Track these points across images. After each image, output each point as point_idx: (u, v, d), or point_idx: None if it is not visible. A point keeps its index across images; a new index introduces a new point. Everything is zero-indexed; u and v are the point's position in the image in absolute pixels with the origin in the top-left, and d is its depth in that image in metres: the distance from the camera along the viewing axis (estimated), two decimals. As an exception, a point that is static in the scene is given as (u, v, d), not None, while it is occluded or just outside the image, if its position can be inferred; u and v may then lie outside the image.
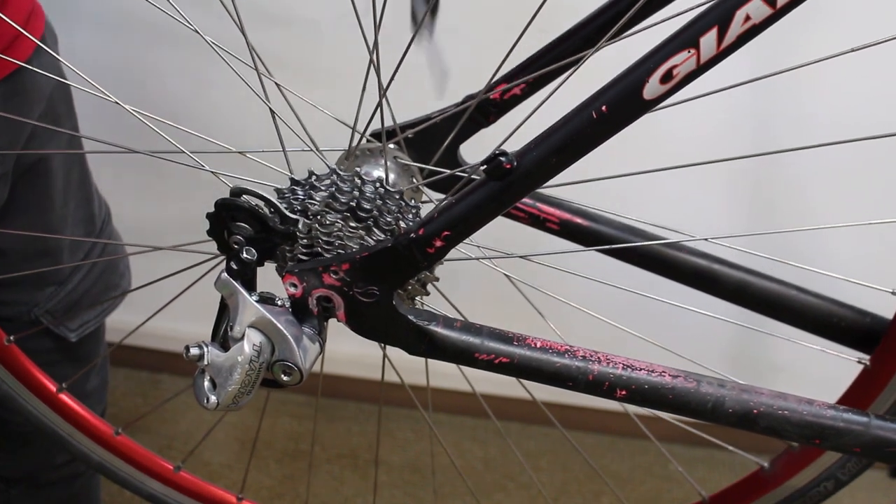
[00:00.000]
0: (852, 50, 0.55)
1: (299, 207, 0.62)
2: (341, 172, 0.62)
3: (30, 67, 0.81)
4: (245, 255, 0.63)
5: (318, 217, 0.62)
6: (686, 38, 0.50)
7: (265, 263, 0.66)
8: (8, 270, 0.92)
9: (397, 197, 0.62)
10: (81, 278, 1.00)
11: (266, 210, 0.63)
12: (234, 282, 0.62)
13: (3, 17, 0.68)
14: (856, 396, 0.72)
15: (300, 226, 0.63)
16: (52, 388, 0.83)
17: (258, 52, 0.67)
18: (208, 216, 0.63)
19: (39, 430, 0.84)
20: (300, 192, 0.63)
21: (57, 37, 0.97)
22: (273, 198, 0.63)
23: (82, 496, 1.14)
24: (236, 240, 0.63)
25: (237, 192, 0.63)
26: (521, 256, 0.68)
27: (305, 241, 0.63)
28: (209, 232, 0.64)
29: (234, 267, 0.63)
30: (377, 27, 0.58)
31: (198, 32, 0.66)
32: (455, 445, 1.87)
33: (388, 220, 0.61)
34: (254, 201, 0.63)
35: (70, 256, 0.99)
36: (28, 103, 0.86)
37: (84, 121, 1.00)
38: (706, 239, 0.73)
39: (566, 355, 0.61)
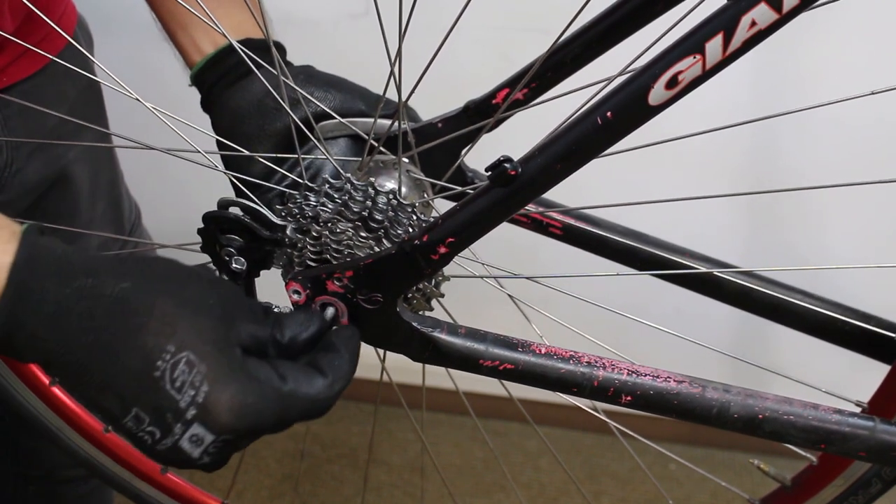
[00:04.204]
0: (872, 93, 0.55)
1: (311, 213, 0.62)
2: (355, 181, 0.62)
3: (58, 61, 0.80)
4: (234, 265, 0.62)
5: (329, 224, 0.62)
6: (691, 43, 0.49)
7: (261, 272, 0.66)
8: None
9: (409, 210, 0.62)
10: None
11: (252, 218, 0.63)
12: None
13: (37, 11, 0.69)
14: (881, 402, 0.72)
15: (288, 231, 0.63)
16: (46, 380, 0.82)
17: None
18: (199, 232, 0.63)
19: (29, 423, 0.83)
20: (312, 199, 0.63)
21: (92, 38, 0.97)
22: (260, 206, 0.64)
23: (97, 494, 1.14)
24: (227, 251, 0.63)
25: (224, 203, 0.63)
26: (527, 277, 0.68)
27: (315, 248, 0.62)
28: (202, 248, 0.64)
29: (226, 278, 0.63)
30: (401, 37, 0.58)
31: (226, 36, 0.66)
32: (455, 445, 1.87)
33: (399, 232, 0.61)
34: (241, 211, 0.63)
35: None
36: (44, 106, 0.85)
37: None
38: (707, 270, 0.72)
39: (571, 361, 0.61)
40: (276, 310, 0.62)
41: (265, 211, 0.63)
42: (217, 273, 0.64)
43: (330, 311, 0.61)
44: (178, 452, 0.53)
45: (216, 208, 0.63)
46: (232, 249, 0.63)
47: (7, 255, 0.50)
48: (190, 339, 0.52)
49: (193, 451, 0.53)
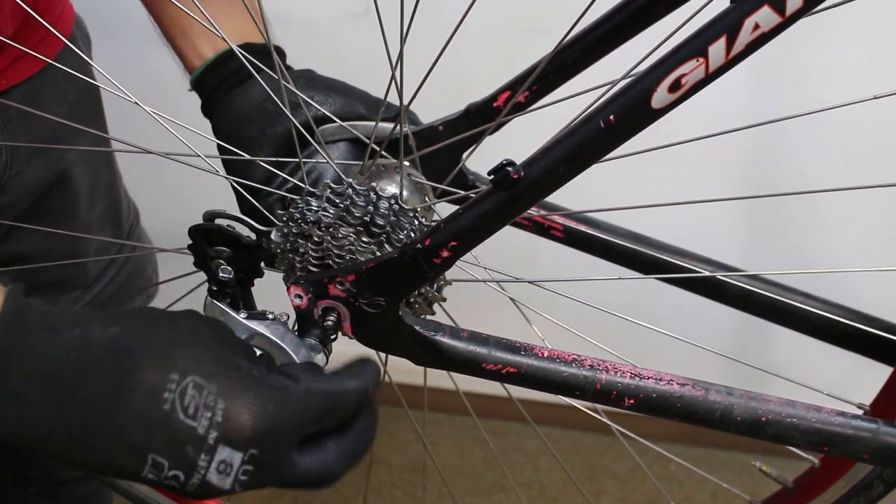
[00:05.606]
0: (875, 97, 0.55)
1: (312, 219, 0.62)
2: (357, 186, 0.62)
3: (56, 65, 0.80)
4: (221, 274, 0.62)
5: (331, 229, 0.61)
6: (694, 46, 0.49)
7: (254, 280, 0.65)
8: (32, 274, 0.91)
9: (411, 214, 0.62)
10: (107, 282, 1.00)
11: (237, 227, 0.63)
12: (218, 304, 0.62)
13: (34, 14, 0.69)
14: (883, 404, 0.72)
15: (273, 236, 0.63)
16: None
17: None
18: (189, 248, 0.63)
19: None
20: (314, 204, 0.63)
21: (90, 39, 0.96)
22: (241, 216, 0.64)
23: (97, 494, 1.14)
24: (216, 263, 0.63)
25: (209, 216, 0.63)
26: (529, 281, 0.68)
27: (317, 253, 0.62)
28: (195, 264, 0.64)
29: (214, 288, 0.63)
30: (403, 40, 0.58)
31: (226, 40, 0.66)
32: (455, 445, 1.86)
33: (401, 236, 0.61)
34: (226, 221, 0.63)
35: (96, 261, 0.99)
36: (44, 107, 0.85)
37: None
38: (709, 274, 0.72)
39: (574, 365, 0.61)
40: (271, 317, 0.62)
41: (247, 219, 0.63)
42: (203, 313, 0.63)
43: (331, 321, 0.62)
44: (209, 488, 0.50)
45: (201, 221, 0.63)
46: (221, 261, 0.63)
47: None
48: (191, 363, 0.50)
49: (224, 483, 0.50)
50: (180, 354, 0.51)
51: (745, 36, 0.48)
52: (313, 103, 0.70)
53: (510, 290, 0.74)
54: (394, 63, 0.60)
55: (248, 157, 0.70)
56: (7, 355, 0.48)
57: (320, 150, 0.68)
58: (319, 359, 0.62)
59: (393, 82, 0.61)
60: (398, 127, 0.67)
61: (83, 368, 0.49)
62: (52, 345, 0.49)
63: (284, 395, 0.52)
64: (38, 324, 0.49)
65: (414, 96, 0.62)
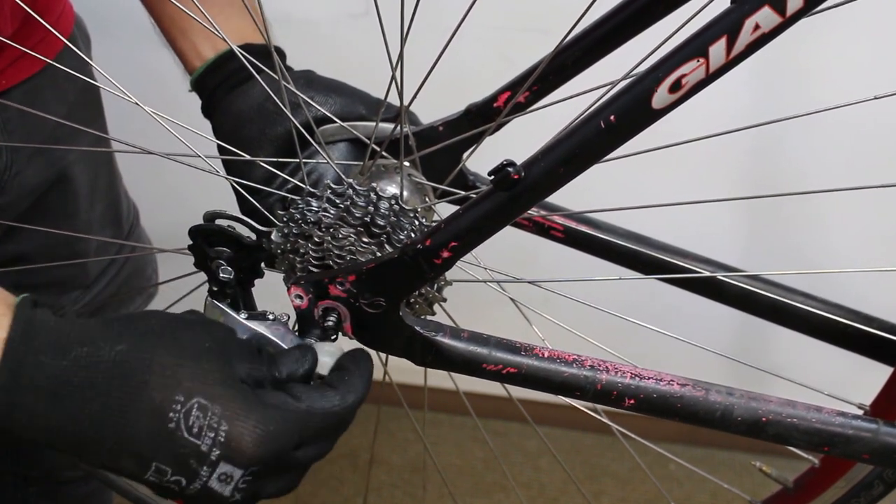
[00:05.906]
0: (875, 98, 0.55)
1: (312, 219, 0.62)
2: (357, 186, 0.62)
3: (55, 64, 0.80)
4: (222, 275, 0.63)
5: (331, 230, 0.61)
6: (695, 47, 0.49)
7: (255, 281, 0.66)
8: (32, 274, 0.91)
9: (411, 214, 0.62)
10: (107, 282, 1.00)
11: (238, 228, 0.63)
12: (219, 304, 0.62)
13: (34, 14, 0.69)
14: (883, 404, 0.72)
15: (273, 237, 0.63)
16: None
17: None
18: (190, 248, 0.64)
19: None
20: (314, 204, 0.63)
21: (90, 39, 0.96)
22: (241, 216, 0.64)
23: (97, 494, 1.14)
24: (216, 263, 0.63)
25: (210, 216, 0.63)
26: (529, 281, 0.68)
27: (318, 253, 0.62)
28: (196, 264, 0.64)
29: (215, 288, 0.63)
30: (403, 40, 0.58)
31: (226, 41, 0.66)
32: (455, 445, 1.86)
33: (402, 237, 0.61)
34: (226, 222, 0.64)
35: (96, 261, 0.99)
36: (44, 107, 0.85)
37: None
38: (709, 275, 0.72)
39: (574, 365, 0.61)
40: (271, 317, 0.63)
41: (247, 220, 0.64)
42: (204, 315, 0.64)
43: (331, 321, 0.62)
44: (209, 493, 0.53)
45: (202, 222, 0.63)
46: (221, 261, 0.63)
47: (2, 330, 0.50)
48: (196, 385, 0.52)
49: (224, 490, 0.53)
50: (185, 376, 0.52)
51: (746, 36, 0.48)
52: (313, 104, 0.70)
53: (510, 290, 0.74)
54: (394, 63, 0.60)
55: (248, 157, 0.70)
56: (16, 374, 0.49)
57: (320, 151, 0.68)
58: (327, 351, 0.62)
59: (393, 82, 0.61)
60: (398, 127, 0.67)
61: (91, 387, 0.51)
62: (61, 363, 0.50)
63: (286, 416, 0.54)
64: (46, 340, 0.51)
65: (414, 96, 0.62)
